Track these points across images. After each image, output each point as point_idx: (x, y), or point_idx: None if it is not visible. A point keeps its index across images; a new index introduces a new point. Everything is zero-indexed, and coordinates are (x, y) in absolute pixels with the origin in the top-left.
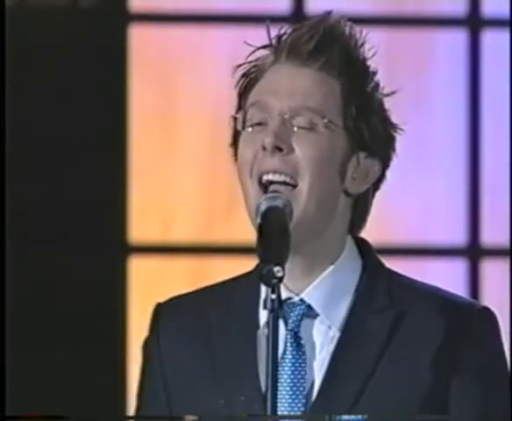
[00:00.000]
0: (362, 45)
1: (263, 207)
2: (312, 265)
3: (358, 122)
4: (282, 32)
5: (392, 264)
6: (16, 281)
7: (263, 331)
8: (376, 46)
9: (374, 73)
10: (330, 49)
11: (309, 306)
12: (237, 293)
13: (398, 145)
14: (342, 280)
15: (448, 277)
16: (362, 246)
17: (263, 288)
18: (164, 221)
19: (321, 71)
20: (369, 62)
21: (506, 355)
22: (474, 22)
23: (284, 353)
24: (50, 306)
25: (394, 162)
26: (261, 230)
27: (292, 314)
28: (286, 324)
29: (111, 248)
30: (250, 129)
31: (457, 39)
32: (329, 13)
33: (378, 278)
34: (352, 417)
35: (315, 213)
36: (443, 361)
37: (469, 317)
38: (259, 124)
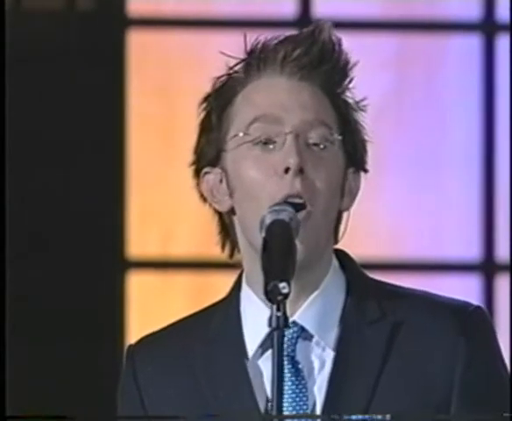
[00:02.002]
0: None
1: (268, 221)
2: (303, 286)
3: (353, 137)
4: (260, 43)
5: (404, 280)
6: (14, 294)
7: (253, 362)
8: (351, 54)
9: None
10: (326, 64)
11: (302, 328)
12: (217, 323)
13: (409, 157)
14: (330, 298)
15: (462, 293)
16: (342, 258)
17: (244, 315)
18: (164, 236)
19: (314, 85)
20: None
21: (502, 352)
22: (489, 27)
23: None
24: (50, 319)
25: (406, 175)
26: (266, 244)
27: (286, 338)
28: None
29: (110, 263)
30: (257, 148)
31: (471, 44)
32: (320, 22)
33: (365, 291)
34: (359, 416)
35: (325, 236)
36: (443, 365)
37: (464, 319)
38: (266, 142)
